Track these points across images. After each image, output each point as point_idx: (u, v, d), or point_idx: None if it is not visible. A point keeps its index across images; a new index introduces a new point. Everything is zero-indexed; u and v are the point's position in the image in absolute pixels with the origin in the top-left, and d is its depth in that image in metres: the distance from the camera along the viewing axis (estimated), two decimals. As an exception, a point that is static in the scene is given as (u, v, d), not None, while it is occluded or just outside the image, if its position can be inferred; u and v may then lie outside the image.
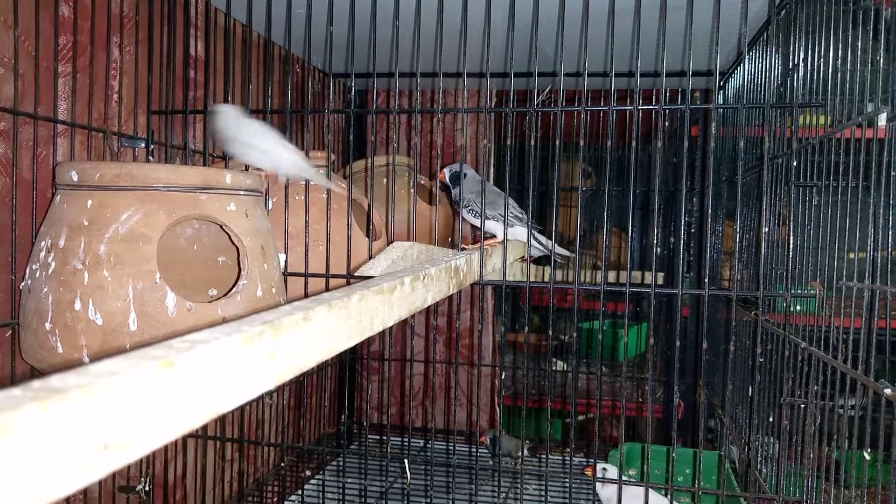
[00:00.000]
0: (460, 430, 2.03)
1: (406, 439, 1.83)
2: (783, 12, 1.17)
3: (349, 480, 1.61)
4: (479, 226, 1.23)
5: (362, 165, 1.57)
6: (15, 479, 0.27)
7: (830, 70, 0.94)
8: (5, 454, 0.26)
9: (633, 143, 1.05)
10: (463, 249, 1.13)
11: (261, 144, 1.07)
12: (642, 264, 2.49)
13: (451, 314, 2.03)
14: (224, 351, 0.39)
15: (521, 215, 1.29)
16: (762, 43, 1.28)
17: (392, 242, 1.15)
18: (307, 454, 1.73)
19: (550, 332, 1.24)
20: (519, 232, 1.29)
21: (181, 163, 1.27)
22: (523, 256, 1.41)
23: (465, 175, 1.33)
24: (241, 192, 0.99)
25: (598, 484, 1.27)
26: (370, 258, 1.14)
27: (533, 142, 1.13)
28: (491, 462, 1.72)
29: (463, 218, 1.31)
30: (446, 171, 1.37)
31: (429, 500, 1.30)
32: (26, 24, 0.98)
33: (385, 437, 1.92)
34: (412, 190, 1.31)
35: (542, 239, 1.32)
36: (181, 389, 0.36)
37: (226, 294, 0.99)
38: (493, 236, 1.28)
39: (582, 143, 1.13)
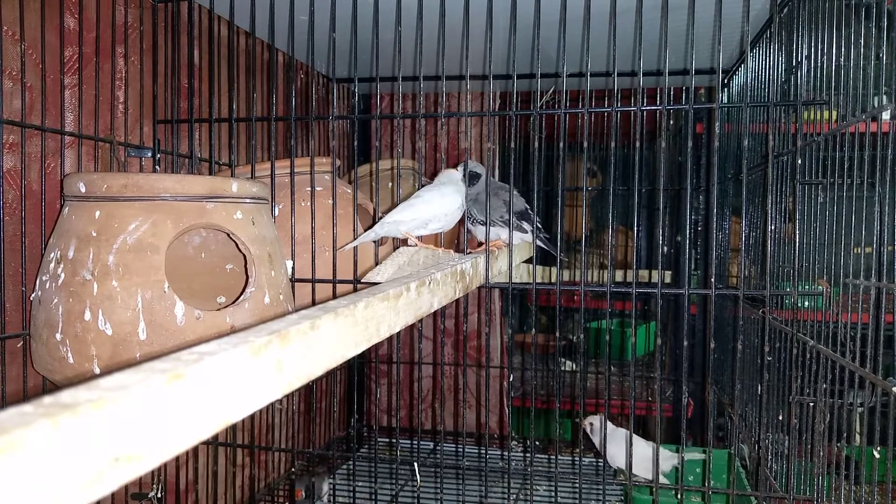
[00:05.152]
0: (469, 431, 2.03)
1: (415, 442, 1.84)
2: (785, 10, 1.17)
3: (359, 484, 1.62)
4: (483, 232, 1.22)
5: (367, 170, 1.57)
6: (28, 493, 0.27)
7: (834, 66, 0.93)
8: (19, 470, 0.26)
9: (637, 144, 1.05)
10: (469, 253, 1.13)
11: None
12: (649, 262, 2.48)
13: (459, 316, 2.03)
14: (232, 362, 0.40)
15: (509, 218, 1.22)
16: (765, 40, 1.27)
17: (398, 247, 1.15)
18: (317, 458, 1.73)
19: (558, 333, 1.24)
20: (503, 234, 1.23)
21: (187, 172, 1.28)
22: (530, 258, 1.40)
23: (473, 183, 1.29)
24: (248, 201, 1.00)
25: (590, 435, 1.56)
26: (377, 263, 1.14)
27: (537, 143, 1.13)
28: (500, 463, 1.72)
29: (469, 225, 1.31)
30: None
31: (439, 503, 1.30)
32: (32, 37, 0.99)
33: (394, 440, 1.93)
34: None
35: (529, 236, 1.26)
36: (190, 401, 0.36)
37: (234, 302, 0.99)
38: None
39: (586, 144, 1.13)
